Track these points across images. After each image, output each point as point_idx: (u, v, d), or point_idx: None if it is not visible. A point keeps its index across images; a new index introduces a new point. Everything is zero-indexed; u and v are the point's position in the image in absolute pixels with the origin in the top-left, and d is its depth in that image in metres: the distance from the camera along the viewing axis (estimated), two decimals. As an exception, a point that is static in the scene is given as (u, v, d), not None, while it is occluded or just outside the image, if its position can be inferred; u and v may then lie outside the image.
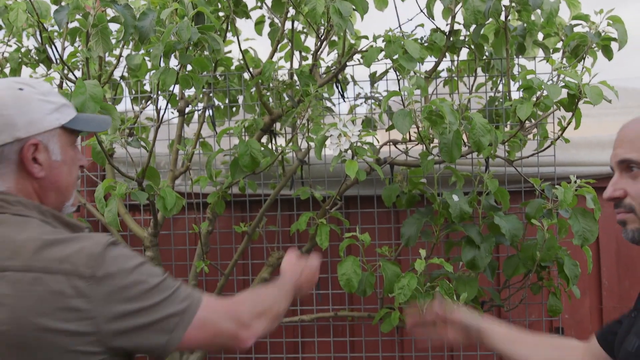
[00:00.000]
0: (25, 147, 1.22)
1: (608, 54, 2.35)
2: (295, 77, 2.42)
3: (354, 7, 2.13)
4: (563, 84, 2.14)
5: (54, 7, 2.38)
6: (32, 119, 1.23)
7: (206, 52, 2.19)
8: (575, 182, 2.12)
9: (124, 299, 1.18)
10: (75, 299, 1.14)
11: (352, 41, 2.52)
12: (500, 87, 2.61)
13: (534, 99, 2.12)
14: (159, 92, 2.50)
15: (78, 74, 2.46)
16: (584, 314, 2.77)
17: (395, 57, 2.19)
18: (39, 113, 1.24)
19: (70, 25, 2.21)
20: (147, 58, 2.51)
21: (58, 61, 2.32)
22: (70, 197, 1.33)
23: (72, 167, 1.32)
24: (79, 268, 1.15)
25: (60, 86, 2.50)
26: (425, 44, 2.42)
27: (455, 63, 2.60)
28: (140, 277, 1.21)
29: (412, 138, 2.40)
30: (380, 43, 2.24)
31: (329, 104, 2.63)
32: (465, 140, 2.14)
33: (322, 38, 2.34)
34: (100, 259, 1.17)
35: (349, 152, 1.99)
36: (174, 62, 2.13)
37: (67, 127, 1.29)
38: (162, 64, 2.06)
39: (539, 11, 2.32)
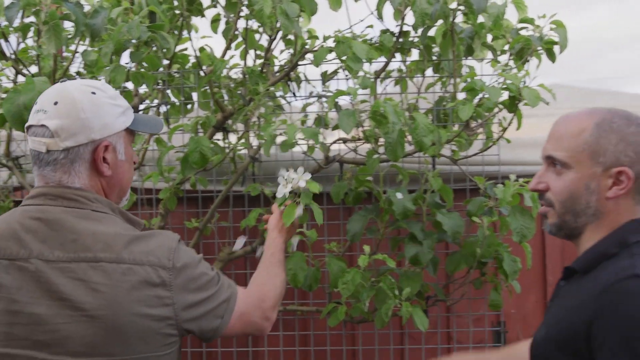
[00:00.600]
0: (98, 148, 1.36)
1: (551, 57, 2.43)
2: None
3: (302, 9, 2.18)
4: (505, 86, 2.21)
5: (7, 2, 2.40)
6: (105, 123, 1.36)
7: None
8: (517, 180, 2.19)
9: (194, 288, 1.36)
10: (159, 288, 1.30)
11: (308, 41, 2.56)
12: (450, 87, 2.67)
13: (476, 100, 2.20)
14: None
15: (34, 69, 2.47)
16: (529, 309, 2.87)
17: (344, 57, 2.24)
18: (111, 116, 1.38)
19: (26, 20, 2.23)
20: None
21: (13, 55, 2.34)
22: (127, 193, 1.50)
23: (131, 165, 1.47)
24: (162, 260, 1.32)
25: (14, 81, 2.51)
26: (376, 44, 2.48)
27: (406, 63, 2.66)
28: (203, 269, 1.41)
29: (360, 137, 2.46)
30: (330, 43, 2.29)
31: (283, 102, 2.68)
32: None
33: (272, 38, 2.38)
34: (177, 252, 1.35)
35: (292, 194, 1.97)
36: (127, 60, 2.16)
37: (130, 128, 1.43)
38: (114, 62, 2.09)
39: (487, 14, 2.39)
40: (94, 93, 1.36)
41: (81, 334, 1.25)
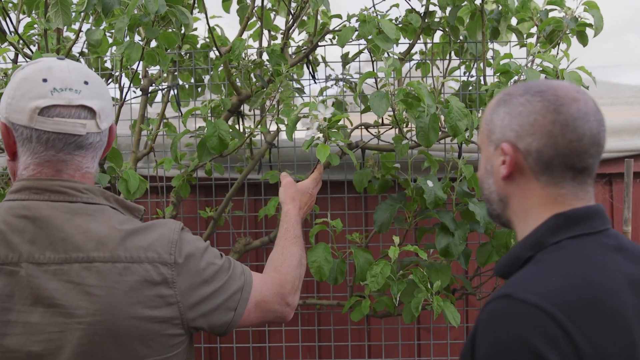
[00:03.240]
0: (113, 130, 1.31)
1: (583, 40, 2.32)
2: (264, 57, 2.33)
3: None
4: (540, 69, 2.10)
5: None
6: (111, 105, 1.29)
7: (172, 28, 2.09)
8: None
9: (201, 282, 1.24)
10: (161, 286, 1.19)
11: (321, 21, 2.44)
12: (473, 72, 2.56)
13: (511, 84, 2.08)
14: (122, 70, 2.39)
15: (34, 49, 2.32)
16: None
17: (370, 37, 2.12)
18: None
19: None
20: (108, 34, 2.38)
21: (13, 33, 2.19)
22: None
23: None
24: (162, 255, 1.20)
25: (14, 61, 2.36)
26: (400, 25, 2.36)
27: (429, 46, 2.54)
28: (210, 258, 1.29)
29: (384, 122, 2.34)
30: (354, 23, 2.17)
31: (298, 86, 2.55)
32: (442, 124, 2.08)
33: (294, 15, 2.25)
34: (179, 245, 1.23)
35: (321, 135, 1.91)
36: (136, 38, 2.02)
37: None
38: (127, 38, 1.95)
39: (514, -5, 2.28)
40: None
41: (76, 342, 1.12)
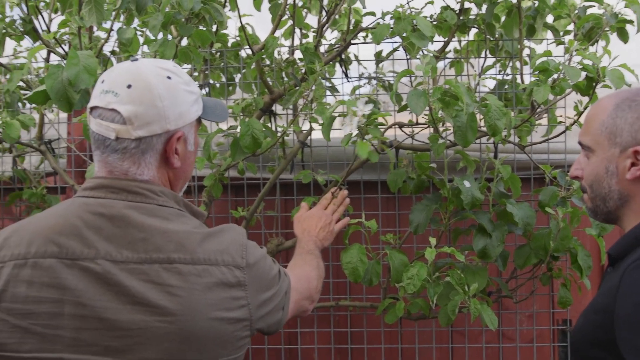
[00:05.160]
0: (172, 139, 1.24)
1: (623, 37, 2.27)
2: (296, 55, 2.30)
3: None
4: (580, 67, 2.05)
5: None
6: (181, 112, 1.24)
7: (202, 27, 2.07)
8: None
9: (265, 286, 1.29)
10: (235, 288, 1.21)
11: (353, 19, 2.40)
12: (508, 70, 2.51)
13: (550, 82, 2.03)
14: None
15: (65, 48, 2.32)
16: (587, 305, 2.70)
17: (405, 34, 2.08)
18: (186, 105, 1.25)
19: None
20: (139, 32, 2.38)
21: (45, 32, 2.19)
22: (187, 183, 1.39)
23: (196, 155, 1.37)
24: (235, 258, 1.23)
25: (47, 59, 2.36)
26: (435, 22, 2.32)
27: (463, 44, 2.50)
28: (269, 263, 1.34)
29: (418, 121, 2.30)
30: (388, 20, 2.13)
31: (329, 85, 2.52)
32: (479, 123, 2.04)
33: (328, 12, 2.22)
34: (247, 248, 1.26)
35: (357, 132, 1.87)
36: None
37: (201, 117, 1.33)
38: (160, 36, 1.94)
39: (550, -9, 2.24)
40: (169, 78, 1.23)
41: (156, 340, 1.14)
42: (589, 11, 2.29)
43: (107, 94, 1.20)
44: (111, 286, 1.14)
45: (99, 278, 1.14)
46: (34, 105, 2.32)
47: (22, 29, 2.45)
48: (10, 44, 2.55)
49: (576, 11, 2.32)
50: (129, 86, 1.20)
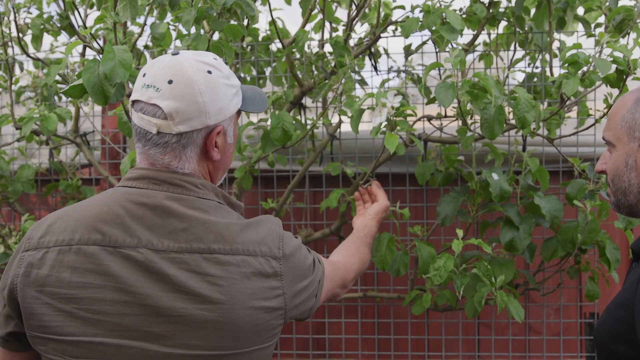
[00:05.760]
0: (212, 134, 1.26)
1: (655, 29, 2.25)
2: (326, 48, 2.33)
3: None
4: (611, 59, 2.04)
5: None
6: (221, 107, 1.26)
7: (233, 21, 2.10)
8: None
9: (300, 276, 1.31)
10: (272, 278, 1.23)
11: (383, 12, 2.42)
12: (538, 63, 2.51)
13: (579, 75, 2.03)
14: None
15: (100, 43, 2.37)
16: (616, 299, 2.69)
17: (434, 28, 2.09)
18: (226, 100, 1.27)
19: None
20: (171, 27, 2.42)
21: (82, 28, 2.24)
22: (225, 173, 1.40)
23: (235, 146, 1.37)
24: (272, 249, 1.25)
25: (82, 54, 2.42)
26: (464, 16, 2.32)
27: (492, 37, 2.50)
28: (305, 253, 1.36)
29: (447, 114, 2.32)
30: (417, 13, 2.14)
31: (358, 78, 2.54)
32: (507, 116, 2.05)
33: (358, 5, 2.24)
34: (284, 239, 1.29)
35: (387, 124, 1.90)
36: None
37: (240, 109, 1.34)
38: (193, 31, 1.98)
39: (581, -17, 2.23)
40: (209, 72, 1.24)
41: (197, 326, 1.17)
42: (621, 3, 2.28)
43: (148, 88, 1.22)
44: (152, 274, 1.17)
45: (141, 266, 1.17)
46: (70, 98, 2.38)
47: (59, 25, 2.52)
48: (47, 39, 2.62)
49: (607, 3, 2.31)
50: (170, 82, 1.21)
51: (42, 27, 2.48)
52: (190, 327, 1.16)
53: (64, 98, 2.62)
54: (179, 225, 1.20)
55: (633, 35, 2.27)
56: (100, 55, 1.82)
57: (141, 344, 1.15)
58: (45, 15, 2.49)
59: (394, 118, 1.82)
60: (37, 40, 2.49)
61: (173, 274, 1.17)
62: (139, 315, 1.16)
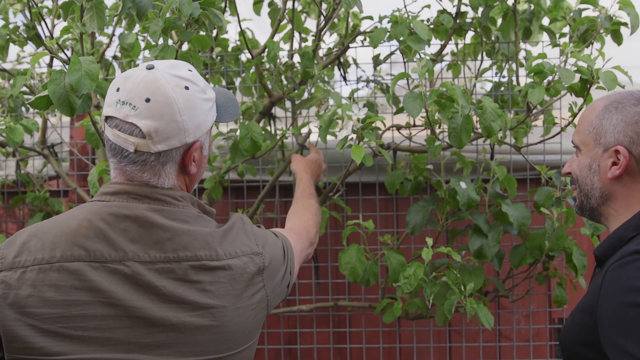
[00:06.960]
0: (191, 150, 1.26)
1: (618, 39, 2.29)
2: (295, 59, 2.33)
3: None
4: (574, 69, 2.07)
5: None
6: (199, 123, 1.25)
7: (202, 32, 2.10)
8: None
9: (277, 264, 1.34)
10: (257, 275, 1.27)
11: (351, 23, 2.44)
12: (505, 72, 2.54)
13: (545, 84, 2.06)
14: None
15: (68, 53, 2.35)
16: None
17: (402, 38, 2.11)
18: (203, 115, 1.26)
19: (61, 0, 2.11)
20: (140, 37, 2.41)
21: (48, 38, 2.22)
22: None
23: (208, 156, 1.37)
24: (252, 247, 1.29)
25: (50, 65, 2.39)
26: (432, 26, 2.35)
27: (459, 47, 2.53)
28: (271, 238, 1.38)
29: (416, 123, 2.33)
30: (385, 24, 2.16)
31: (328, 88, 2.55)
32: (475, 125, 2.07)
33: (327, 15, 2.25)
34: (258, 235, 1.33)
35: (354, 136, 1.91)
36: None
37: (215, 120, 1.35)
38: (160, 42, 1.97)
39: (546, -5, 2.27)
40: (187, 88, 1.22)
41: (191, 334, 1.18)
42: (584, 14, 2.31)
43: (124, 105, 1.19)
44: (141, 287, 1.16)
45: (129, 279, 1.15)
46: (36, 110, 2.35)
47: (25, 35, 2.49)
48: (13, 49, 2.58)
49: (571, 14, 2.35)
50: (148, 100, 1.18)
51: (8, 37, 2.45)
52: (184, 334, 1.17)
53: (31, 109, 2.59)
54: (163, 235, 1.19)
55: (597, 45, 2.31)
56: (67, 66, 1.81)
57: (136, 356, 1.15)
58: (11, 26, 2.46)
59: (361, 130, 1.83)
60: (3, 50, 2.46)
61: (162, 285, 1.16)
62: (131, 327, 1.15)
